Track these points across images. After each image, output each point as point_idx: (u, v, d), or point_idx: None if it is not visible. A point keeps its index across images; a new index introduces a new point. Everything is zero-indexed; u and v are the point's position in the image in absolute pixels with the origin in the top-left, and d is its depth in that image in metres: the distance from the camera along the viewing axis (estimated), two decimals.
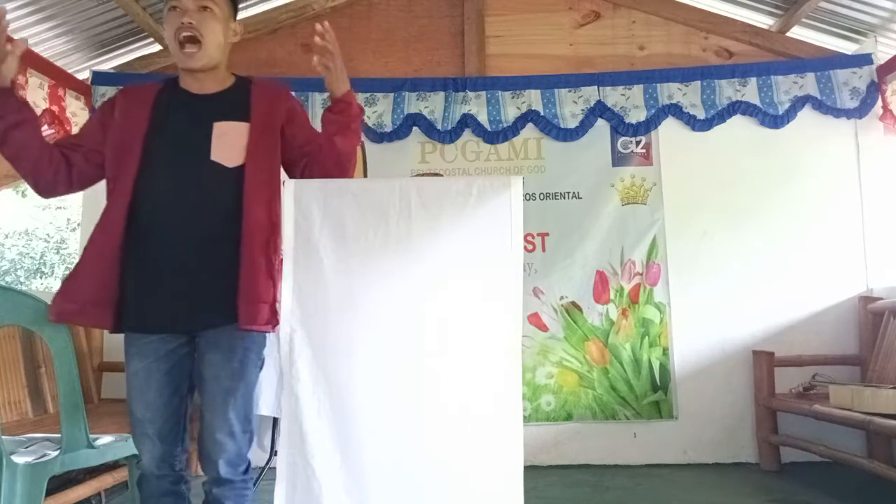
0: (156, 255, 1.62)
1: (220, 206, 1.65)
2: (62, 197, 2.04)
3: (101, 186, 1.71)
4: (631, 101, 3.92)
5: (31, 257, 11.21)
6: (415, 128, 3.94)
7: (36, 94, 3.45)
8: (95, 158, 1.69)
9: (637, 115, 3.90)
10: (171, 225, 1.62)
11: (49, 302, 1.67)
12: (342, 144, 1.72)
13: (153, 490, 1.68)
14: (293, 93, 4.01)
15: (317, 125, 1.82)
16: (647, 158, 3.94)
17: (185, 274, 1.62)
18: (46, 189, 1.70)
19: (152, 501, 1.69)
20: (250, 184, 1.65)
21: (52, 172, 1.66)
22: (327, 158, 1.72)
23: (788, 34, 4.06)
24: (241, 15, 4.10)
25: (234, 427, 1.65)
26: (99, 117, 1.74)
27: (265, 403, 2.80)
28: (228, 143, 1.67)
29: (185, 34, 1.65)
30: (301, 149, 1.75)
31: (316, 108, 3.90)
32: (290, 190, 1.62)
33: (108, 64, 4.10)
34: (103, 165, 1.69)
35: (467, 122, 3.93)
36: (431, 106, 3.94)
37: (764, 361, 3.59)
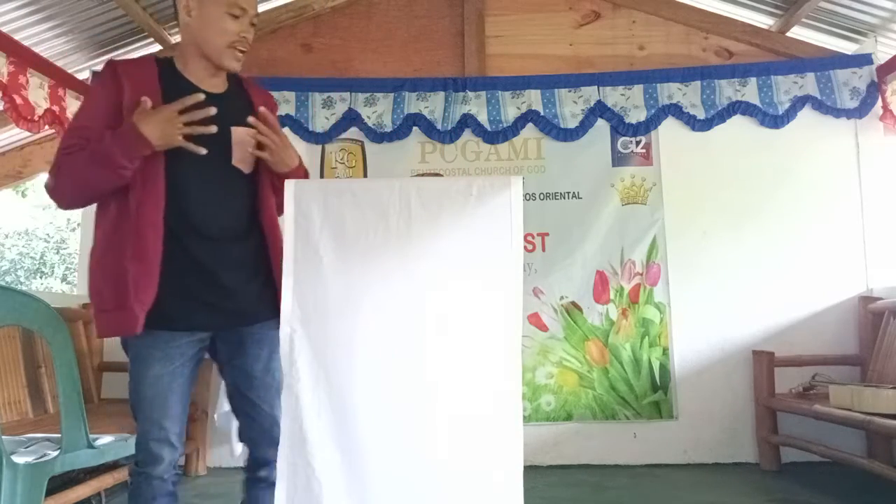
0: (197, 256, 1.62)
1: (244, 210, 1.70)
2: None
3: None
4: (631, 101, 3.92)
5: (31, 257, 11.21)
6: (415, 128, 3.94)
7: (36, 94, 3.44)
8: None
9: (637, 115, 3.91)
10: (206, 229, 1.63)
11: (48, 302, 1.67)
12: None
13: (157, 492, 1.63)
14: (294, 93, 4.06)
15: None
16: (647, 158, 3.94)
17: (230, 274, 1.65)
18: (72, 208, 1.71)
19: (154, 502, 1.64)
20: (265, 191, 1.73)
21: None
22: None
23: (788, 34, 4.06)
24: None
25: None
26: (105, 106, 1.58)
27: None
28: (245, 149, 1.68)
29: (243, 48, 1.67)
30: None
31: (316, 108, 3.90)
32: (291, 190, 1.61)
33: None
34: None
35: (467, 122, 3.93)
36: (431, 106, 3.94)
37: (764, 361, 3.59)
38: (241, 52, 1.66)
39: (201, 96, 1.54)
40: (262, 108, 1.65)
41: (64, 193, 1.59)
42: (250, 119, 1.64)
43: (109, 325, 1.57)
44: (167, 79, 1.63)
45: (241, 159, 1.68)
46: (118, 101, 1.56)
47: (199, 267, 1.62)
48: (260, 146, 1.66)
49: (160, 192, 1.57)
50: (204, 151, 1.57)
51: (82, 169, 1.52)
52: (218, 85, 1.70)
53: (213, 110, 1.55)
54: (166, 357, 1.60)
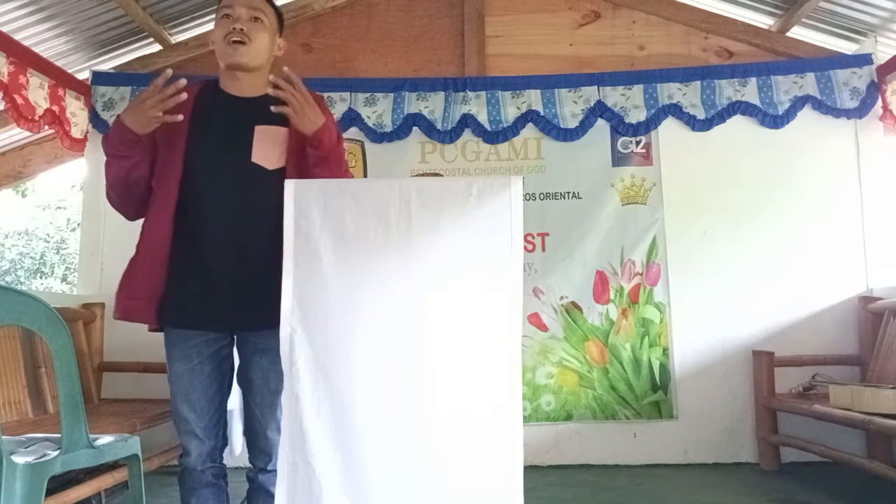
0: (203, 254, 1.68)
1: (262, 208, 1.69)
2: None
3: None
4: (631, 101, 3.92)
5: (31, 257, 11.21)
6: (415, 128, 3.94)
7: (36, 94, 3.44)
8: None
9: (637, 115, 3.91)
10: (217, 225, 1.69)
11: (48, 302, 1.67)
12: (321, 175, 1.71)
13: (195, 482, 1.74)
14: None
15: None
16: (647, 158, 3.94)
17: (234, 274, 1.68)
18: (134, 216, 1.79)
19: (194, 493, 1.74)
20: None
21: (140, 204, 1.75)
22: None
23: (788, 34, 4.07)
24: None
25: (280, 423, 1.74)
26: None
27: None
28: (269, 145, 1.71)
29: (234, 38, 1.70)
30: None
31: None
32: (290, 190, 1.61)
33: (108, 64, 4.10)
34: None
35: (467, 122, 3.93)
36: (431, 106, 3.94)
37: (764, 361, 3.59)
38: (236, 42, 1.70)
39: (169, 72, 1.60)
40: (285, 68, 1.66)
41: (109, 196, 1.76)
42: (270, 77, 1.66)
43: (116, 308, 1.72)
44: (204, 94, 1.76)
45: (264, 157, 1.71)
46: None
47: (202, 268, 1.68)
48: (289, 109, 1.66)
49: (172, 190, 1.67)
50: (180, 118, 1.62)
51: (106, 170, 1.72)
52: (250, 90, 1.77)
53: (182, 82, 1.57)
54: (185, 355, 1.70)
